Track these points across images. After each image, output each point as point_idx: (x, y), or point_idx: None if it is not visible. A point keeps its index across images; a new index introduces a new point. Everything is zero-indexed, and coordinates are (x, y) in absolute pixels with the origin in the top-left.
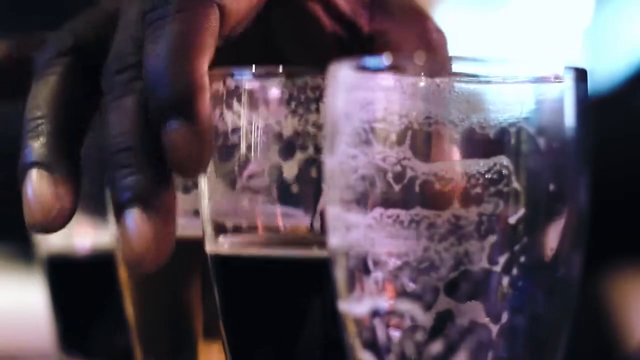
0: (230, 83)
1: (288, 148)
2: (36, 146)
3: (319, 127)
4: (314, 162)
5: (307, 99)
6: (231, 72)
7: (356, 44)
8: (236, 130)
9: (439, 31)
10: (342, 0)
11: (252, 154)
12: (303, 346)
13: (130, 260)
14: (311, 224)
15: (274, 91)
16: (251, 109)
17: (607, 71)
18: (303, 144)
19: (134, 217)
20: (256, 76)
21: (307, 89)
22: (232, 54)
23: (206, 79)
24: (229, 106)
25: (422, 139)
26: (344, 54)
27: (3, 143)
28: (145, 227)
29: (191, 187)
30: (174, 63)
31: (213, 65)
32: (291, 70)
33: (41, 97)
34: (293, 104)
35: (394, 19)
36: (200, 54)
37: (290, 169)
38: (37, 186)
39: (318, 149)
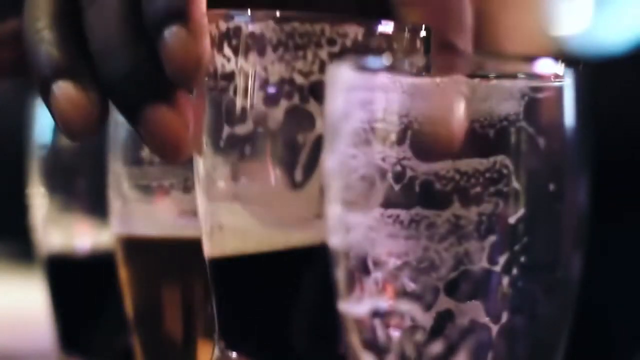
0: (222, 25)
1: (273, 95)
2: (50, 56)
3: (304, 75)
4: (299, 111)
5: (295, 46)
6: (222, 14)
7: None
8: (225, 74)
9: None
10: None
11: (238, 100)
12: (297, 337)
13: None
14: (293, 177)
15: (261, 36)
16: (238, 54)
17: (619, 33)
18: (288, 92)
19: (159, 119)
20: (244, 20)
21: (296, 35)
22: None
23: None
24: (219, 49)
25: (422, 139)
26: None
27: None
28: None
29: (191, 187)
30: None
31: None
32: (282, 15)
33: (39, 8)
34: (280, 50)
35: None
36: None
37: (274, 117)
38: (68, 96)
39: (303, 98)
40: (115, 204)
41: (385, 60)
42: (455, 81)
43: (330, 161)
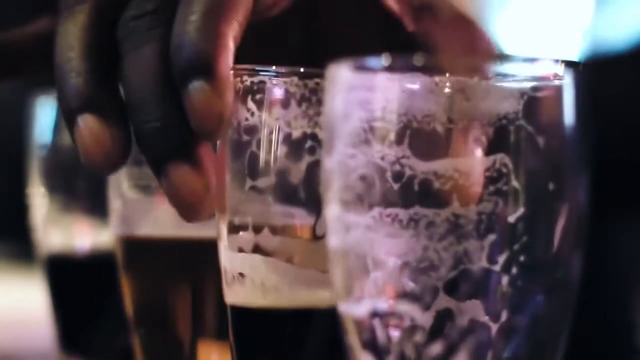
0: (246, 80)
1: (296, 150)
2: (78, 88)
3: None
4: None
5: (318, 101)
6: (248, 69)
7: (398, 42)
8: (248, 128)
9: (486, 38)
10: None
11: (261, 153)
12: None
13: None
14: (314, 230)
15: (285, 91)
16: (262, 108)
17: (622, 30)
18: (311, 147)
19: (180, 177)
20: (268, 75)
21: (319, 90)
22: (269, 45)
23: (231, 42)
24: (243, 103)
25: (421, 138)
26: (385, 49)
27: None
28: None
29: None
30: (202, 25)
31: (241, 59)
32: (306, 71)
33: (73, 36)
34: (304, 105)
35: (441, 23)
36: (230, 17)
37: (297, 172)
38: (92, 131)
39: None
40: (115, 204)
41: (384, 60)
42: (454, 80)
43: (329, 161)
